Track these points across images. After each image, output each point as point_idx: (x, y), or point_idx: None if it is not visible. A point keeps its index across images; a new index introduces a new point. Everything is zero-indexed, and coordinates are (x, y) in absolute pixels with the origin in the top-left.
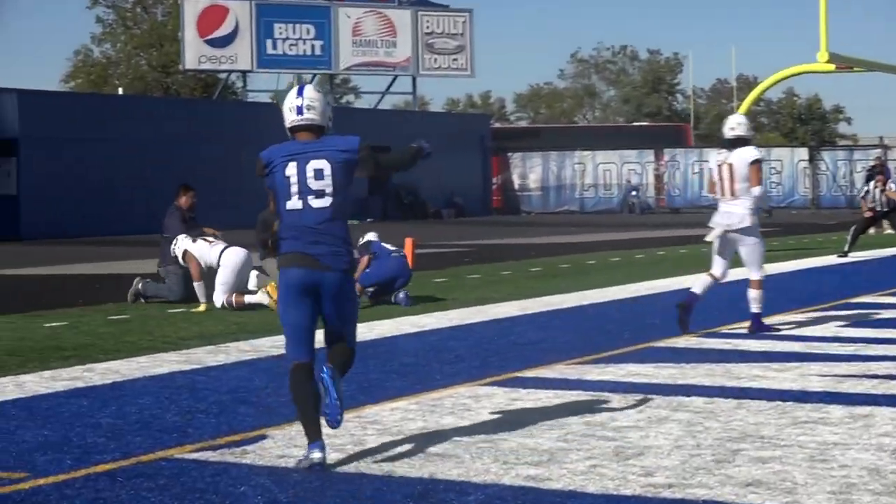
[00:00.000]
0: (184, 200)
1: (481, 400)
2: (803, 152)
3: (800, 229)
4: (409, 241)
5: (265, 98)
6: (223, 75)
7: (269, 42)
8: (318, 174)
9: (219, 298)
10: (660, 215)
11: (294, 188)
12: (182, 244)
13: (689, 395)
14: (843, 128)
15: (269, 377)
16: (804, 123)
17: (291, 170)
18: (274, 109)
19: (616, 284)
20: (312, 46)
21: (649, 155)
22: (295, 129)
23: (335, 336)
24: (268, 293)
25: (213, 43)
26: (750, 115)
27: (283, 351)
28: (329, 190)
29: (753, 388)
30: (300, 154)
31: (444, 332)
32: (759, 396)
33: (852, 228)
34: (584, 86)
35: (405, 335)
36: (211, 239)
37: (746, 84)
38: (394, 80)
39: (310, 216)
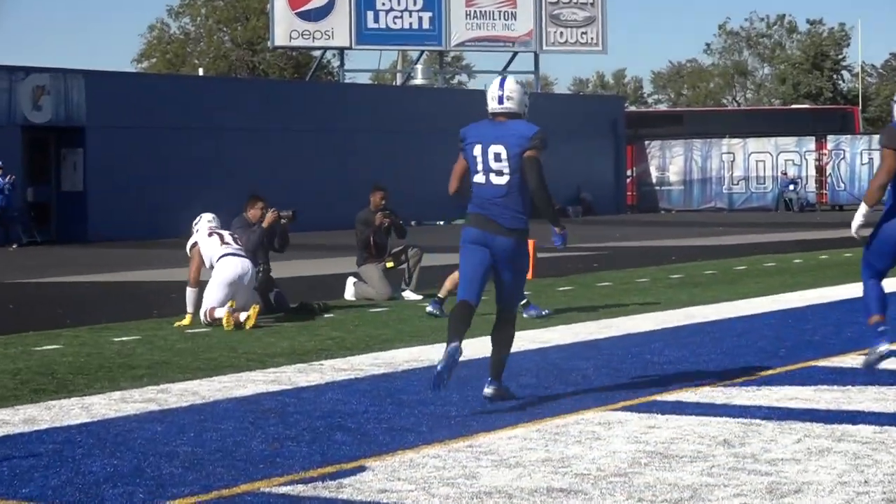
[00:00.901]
0: (252, 213)
1: (612, 427)
2: None
3: None
4: (529, 243)
5: (365, 79)
6: (317, 53)
7: (369, 14)
8: (497, 157)
9: (201, 310)
10: (821, 213)
11: (479, 166)
12: (196, 235)
13: (855, 423)
14: None
15: (369, 400)
16: None
17: (477, 151)
18: (374, 91)
19: (770, 294)
20: (420, 19)
21: (809, 143)
22: (494, 115)
23: (501, 295)
24: (230, 310)
25: (307, 16)
26: None
27: (384, 370)
28: (506, 170)
29: None
30: (486, 139)
31: (569, 348)
32: None
33: None
34: (734, 63)
35: (525, 352)
36: (227, 237)
37: None
38: (513, 57)
39: (490, 190)
